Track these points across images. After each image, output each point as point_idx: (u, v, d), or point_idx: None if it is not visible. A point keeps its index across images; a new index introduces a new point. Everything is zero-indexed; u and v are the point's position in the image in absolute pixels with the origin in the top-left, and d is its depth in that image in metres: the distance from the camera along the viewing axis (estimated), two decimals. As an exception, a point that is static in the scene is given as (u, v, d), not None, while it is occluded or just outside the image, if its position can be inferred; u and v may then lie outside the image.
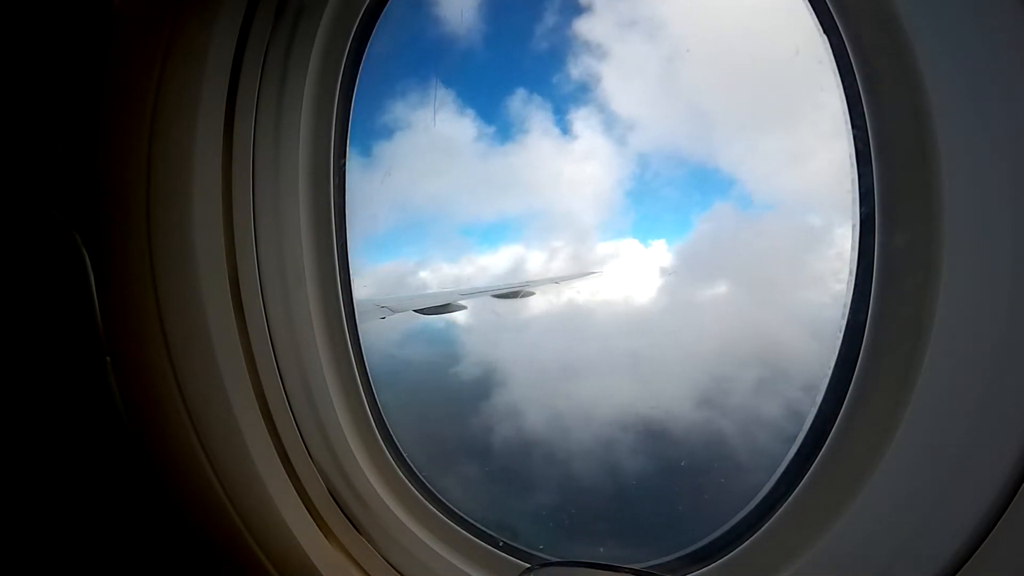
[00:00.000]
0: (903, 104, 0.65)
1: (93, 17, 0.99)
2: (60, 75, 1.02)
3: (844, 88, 0.73)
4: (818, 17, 0.74)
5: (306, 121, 1.04)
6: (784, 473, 0.82)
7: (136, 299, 0.98)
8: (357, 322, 1.11)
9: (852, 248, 0.74)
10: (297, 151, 1.03)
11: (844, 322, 0.75)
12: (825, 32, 0.74)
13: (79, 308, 1.01)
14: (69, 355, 1.00)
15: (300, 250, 1.04)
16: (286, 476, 1.04)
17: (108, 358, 1.02)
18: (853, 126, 0.72)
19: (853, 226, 0.74)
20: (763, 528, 0.80)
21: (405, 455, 1.12)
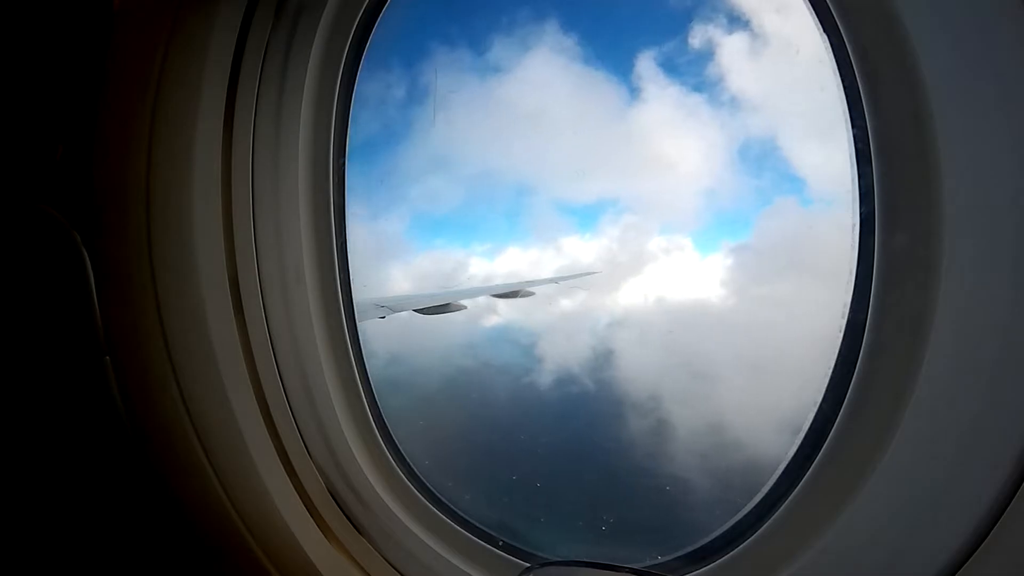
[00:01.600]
0: (903, 104, 0.65)
1: (93, 16, 0.99)
2: (60, 75, 1.02)
3: (844, 87, 0.73)
4: (818, 16, 0.74)
5: (306, 120, 1.04)
6: (784, 473, 0.82)
7: (136, 299, 0.98)
8: (357, 322, 1.11)
9: (852, 248, 0.74)
10: (297, 151, 1.03)
11: (844, 322, 0.75)
12: (825, 31, 0.74)
13: (79, 308, 1.01)
14: (69, 355, 1.00)
15: (300, 250, 1.04)
16: (286, 476, 1.04)
17: (108, 358, 1.02)
18: (853, 125, 0.72)
19: (853, 226, 0.74)
20: (763, 528, 0.80)
21: (405, 455, 1.12)
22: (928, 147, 0.63)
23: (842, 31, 0.71)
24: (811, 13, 0.75)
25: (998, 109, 0.60)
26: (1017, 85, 0.60)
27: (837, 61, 0.73)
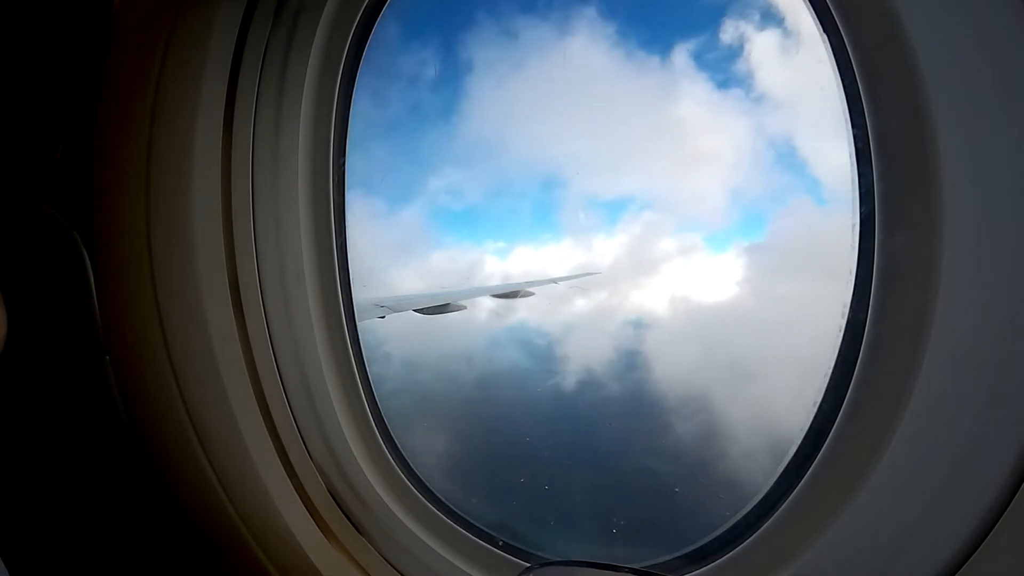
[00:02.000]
0: (903, 104, 0.65)
1: (93, 16, 0.99)
2: (60, 75, 1.02)
3: (844, 87, 0.73)
4: (818, 17, 0.74)
5: (306, 121, 1.04)
6: (784, 473, 0.82)
7: (136, 299, 0.98)
8: (357, 322, 1.11)
9: (852, 248, 0.74)
10: (297, 151, 1.03)
11: (844, 322, 0.75)
12: (825, 32, 0.74)
13: (79, 308, 1.01)
14: (69, 355, 1.00)
15: (300, 250, 1.04)
16: (286, 476, 1.04)
17: (108, 358, 1.02)
18: (853, 125, 0.72)
19: (853, 226, 0.74)
20: (763, 528, 0.80)
21: (405, 455, 1.12)
22: (928, 147, 0.63)
23: (842, 31, 0.71)
24: (811, 13, 0.75)
25: (998, 109, 0.60)
26: (1017, 85, 0.60)
27: (837, 61, 0.73)
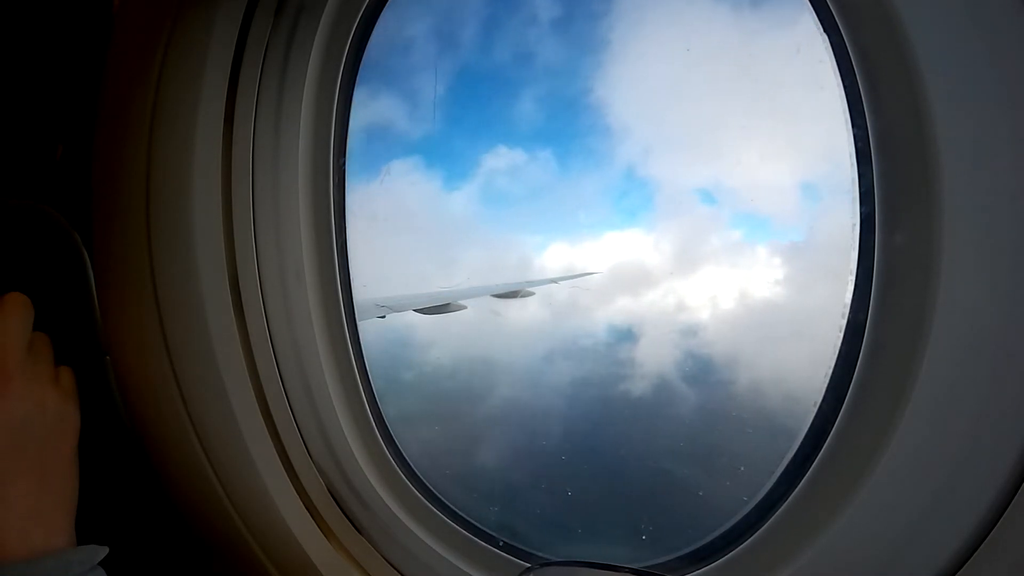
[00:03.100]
0: (903, 103, 0.65)
1: (93, 16, 0.99)
2: (60, 75, 1.02)
3: (844, 87, 0.73)
4: (818, 16, 0.75)
5: (306, 121, 1.04)
6: (784, 473, 0.82)
7: (136, 299, 0.98)
8: (357, 321, 1.11)
9: (852, 248, 0.74)
10: (297, 150, 1.03)
11: (844, 322, 0.76)
12: (825, 31, 0.74)
13: (79, 308, 1.01)
14: (69, 355, 1.00)
15: (300, 249, 1.04)
16: (286, 476, 1.04)
17: (108, 357, 1.02)
18: (853, 125, 0.72)
19: (853, 226, 0.74)
20: (763, 528, 0.80)
21: (405, 455, 1.12)
22: (928, 147, 0.63)
23: (842, 31, 0.71)
24: (811, 13, 0.75)
25: (998, 109, 0.60)
26: (1018, 85, 0.60)
27: (837, 61, 0.73)
